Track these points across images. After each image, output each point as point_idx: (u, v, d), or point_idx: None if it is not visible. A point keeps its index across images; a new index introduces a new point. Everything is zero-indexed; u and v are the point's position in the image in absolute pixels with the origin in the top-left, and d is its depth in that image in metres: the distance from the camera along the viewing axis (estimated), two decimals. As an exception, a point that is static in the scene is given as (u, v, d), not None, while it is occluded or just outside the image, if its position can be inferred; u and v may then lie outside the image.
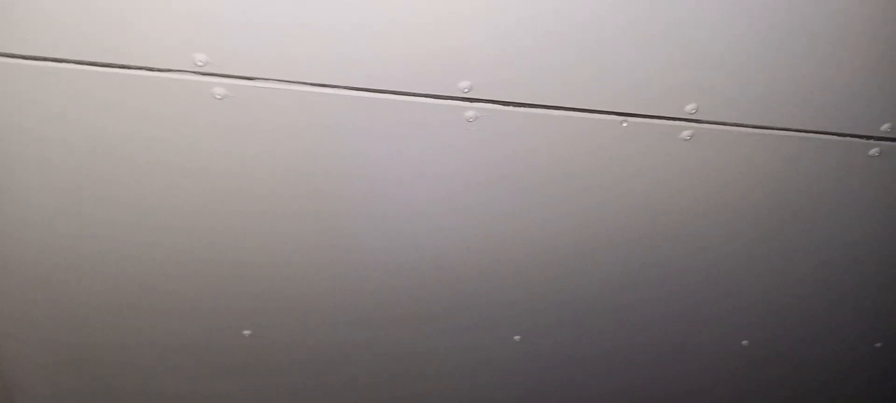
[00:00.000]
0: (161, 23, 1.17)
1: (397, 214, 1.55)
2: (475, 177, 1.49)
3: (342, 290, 1.71)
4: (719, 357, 2.10)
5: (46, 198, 1.42)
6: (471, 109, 1.37)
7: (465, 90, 1.33)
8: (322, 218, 1.53)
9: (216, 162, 1.39)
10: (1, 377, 1.82)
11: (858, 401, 2.37)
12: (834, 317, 2.03)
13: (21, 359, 1.80)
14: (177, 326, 1.75)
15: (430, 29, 1.23)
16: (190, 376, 1.90)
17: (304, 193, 1.48)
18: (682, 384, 2.18)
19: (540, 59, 1.30)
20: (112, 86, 1.24)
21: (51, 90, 1.24)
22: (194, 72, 1.24)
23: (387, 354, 1.92)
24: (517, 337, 1.91)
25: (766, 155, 1.55)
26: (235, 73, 1.25)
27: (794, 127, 1.50)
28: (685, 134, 1.47)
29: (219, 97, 1.27)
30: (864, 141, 1.56)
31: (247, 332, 1.78)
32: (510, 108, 1.38)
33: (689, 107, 1.43)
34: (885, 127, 1.53)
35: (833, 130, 1.53)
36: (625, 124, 1.44)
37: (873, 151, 1.58)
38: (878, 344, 2.16)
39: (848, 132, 1.54)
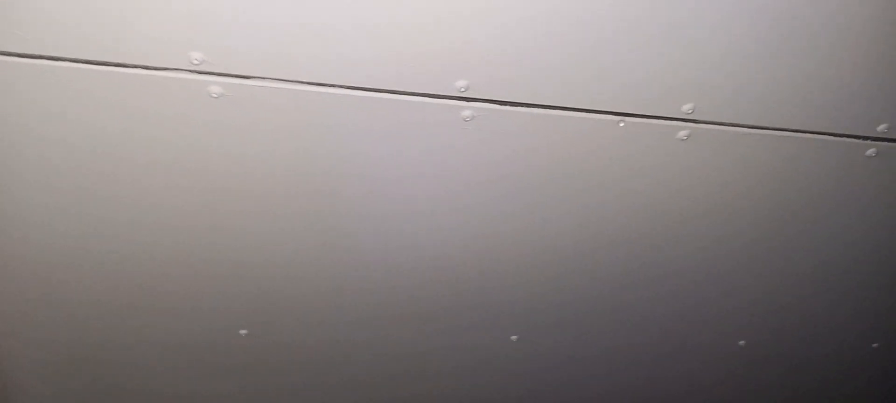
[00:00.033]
0: (157, 21, 1.16)
1: (394, 214, 1.54)
2: (471, 177, 1.48)
3: (338, 290, 1.70)
4: (716, 358, 2.09)
5: (42, 196, 1.41)
6: (467, 109, 1.36)
7: (462, 89, 1.32)
8: (319, 217, 1.52)
9: (212, 161, 1.38)
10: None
11: (855, 402, 2.35)
12: (831, 318, 2.02)
13: (17, 359, 1.78)
14: (175, 326, 1.74)
15: (427, 28, 1.22)
16: (188, 376, 1.89)
17: (301, 192, 1.46)
18: (678, 384, 2.16)
19: (537, 59, 1.29)
20: (108, 85, 1.23)
21: (47, 88, 1.23)
22: (190, 71, 1.23)
23: (385, 354, 1.91)
24: (514, 337, 1.90)
25: (762, 155, 1.54)
26: (232, 72, 1.24)
27: (791, 127, 1.50)
28: (682, 134, 1.46)
29: (215, 96, 1.26)
30: (860, 141, 1.55)
31: (243, 332, 1.76)
32: (507, 108, 1.37)
33: (686, 108, 1.42)
34: (882, 127, 1.52)
35: (830, 131, 1.52)
36: (622, 124, 1.43)
37: (870, 152, 1.57)
38: (875, 345, 2.14)
39: (845, 132, 1.52)
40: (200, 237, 1.53)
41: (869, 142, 1.55)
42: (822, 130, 1.51)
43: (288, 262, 1.60)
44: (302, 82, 1.27)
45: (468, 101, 1.35)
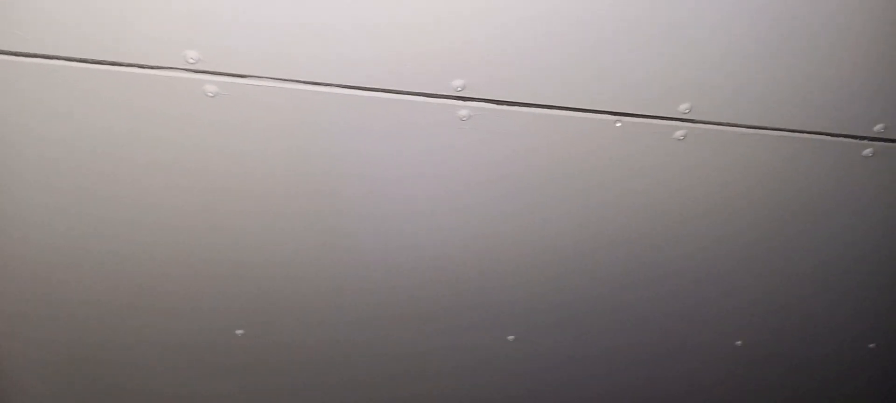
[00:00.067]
0: (153, 20, 1.14)
1: (390, 213, 1.52)
2: (468, 176, 1.47)
3: (336, 289, 1.69)
4: (713, 358, 2.08)
5: (39, 195, 1.39)
6: (464, 108, 1.34)
7: (459, 89, 1.31)
8: (315, 217, 1.50)
9: (209, 160, 1.36)
10: (-3, 376, 1.80)
11: (852, 402, 2.33)
12: (827, 318, 2.01)
13: (17, 358, 1.77)
14: (174, 326, 1.72)
15: (423, 27, 1.21)
16: (188, 376, 1.87)
17: (297, 192, 1.45)
18: (674, 384, 2.15)
19: (534, 59, 1.28)
20: (104, 84, 1.21)
21: (42, 87, 1.21)
22: (186, 70, 1.21)
23: (383, 354, 1.89)
24: (511, 337, 1.88)
25: (759, 155, 1.53)
26: (228, 71, 1.22)
27: (788, 127, 1.48)
28: (679, 134, 1.45)
29: (211, 95, 1.25)
30: (857, 141, 1.53)
31: (240, 332, 1.75)
32: (504, 107, 1.35)
33: (683, 107, 1.40)
34: (879, 127, 1.51)
35: (826, 131, 1.50)
36: (618, 124, 1.41)
37: (867, 152, 1.56)
38: (872, 345, 2.13)
39: (841, 132, 1.51)
40: (198, 236, 1.52)
41: (866, 142, 1.54)
42: (819, 130, 1.50)
43: (285, 262, 1.59)
44: (298, 81, 1.26)
45: (465, 101, 1.33)
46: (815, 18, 1.29)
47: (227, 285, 1.63)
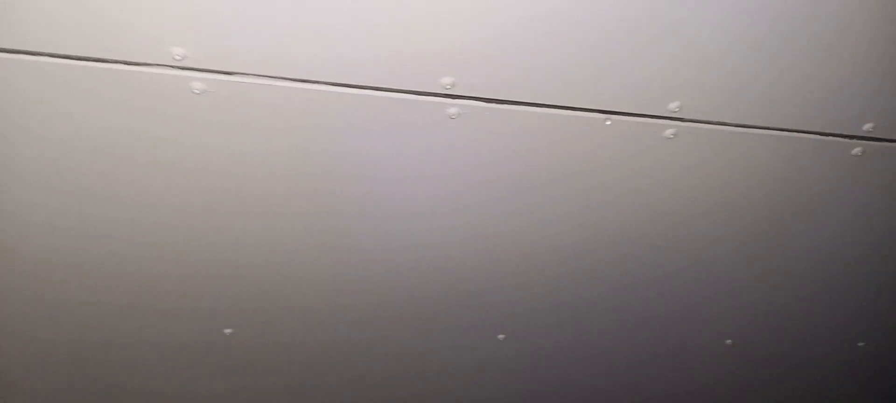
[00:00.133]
0: (138, 15, 1.11)
1: (379, 211, 1.49)
2: (457, 175, 1.44)
3: (330, 289, 1.66)
4: (703, 358, 2.06)
5: (25, 193, 1.36)
6: (453, 106, 1.31)
7: (448, 86, 1.28)
8: (305, 215, 1.47)
9: (195, 157, 1.33)
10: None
11: (841, 400, 2.32)
12: (817, 317, 1.99)
13: (16, 358, 1.74)
14: (173, 325, 1.69)
15: (413, 24, 1.18)
16: (187, 375, 1.85)
17: (285, 190, 1.42)
18: (664, 384, 2.13)
19: (524, 57, 1.25)
20: (89, 81, 1.18)
21: (25, 83, 1.17)
22: (172, 67, 1.18)
23: (379, 353, 1.87)
24: (501, 336, 1.86)
25: (749, 154, 1.50)
26: (214, 68, 1.19)
27: (777, 126, 1.46)
28: (668, 132, 1.42)
29: (197, 92, 1.21)
30: (846, 140, 1.51)
31: (228, 330, 1.72)
32: (493, 105, 1.33)
33: (673, 106, 1.38)
34: (868, 126, 1.49)
35: (816, 130, 1.48)
36: (608, 122, 1.39)
37: (856, 151, 1.54)
38: (862, 344, 2.12)
39: (830, 131, 1.49)
40: (191, 235, 1.48)
41: (855, 140, 1.51)
42: (809, 129, 1.48)
43: (276, 261, 1.56)
44: (285, 78, 1.23)
45: (454, 99, 1.31)
46: (805, 18, 1.27)
47: (220, 284, 1.60)
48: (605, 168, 1.47)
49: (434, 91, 1.28)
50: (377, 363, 1.88)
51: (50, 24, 1.10)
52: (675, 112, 1.39)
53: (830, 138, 1.50)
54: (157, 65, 1.17)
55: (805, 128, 1.47)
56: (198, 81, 1.20)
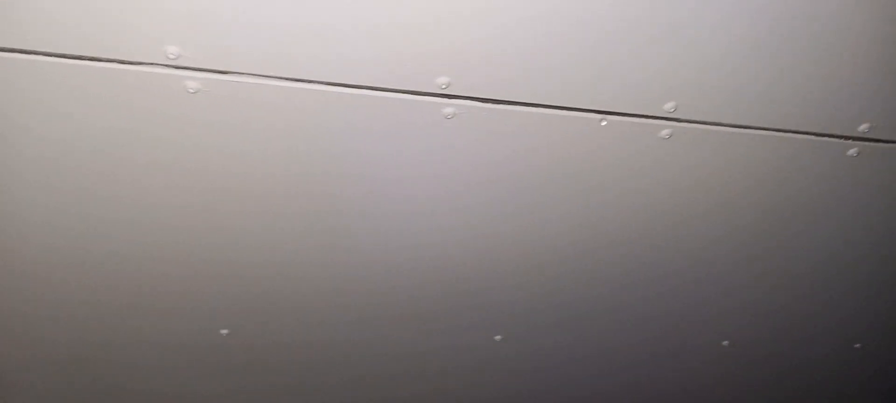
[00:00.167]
0: (132, 14, 1.09)
1: (375, 211, 1.47)
2: (453, 175, 1.42)
3: (325, 289, 1.64)
4: (700, 359, 2.04)
5: (19, 192, 1.34)
6: (449, 106, 1.30)
7: (444, 86, 1.26)
8: (299, 215, 1.46)
9: (190, 157, 1.31)
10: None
11: (838, 402, 2.30)
12: (813, 318, 1.97)
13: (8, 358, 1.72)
14: (172, 325, 1.68)
15: (408, 24, 1.16)
16: (187, 375, 1.84)
17: (280, 189, 1.40)
18: (660, 385, 2.11)
19: (520, 57, 1.24)
20: (82, 80, 1.16)
21: (19, 82, 1.16)
22: (166, 66, 1.16)
23: (382, 354, 1.86)
24: (498, 337, 1.84)
25: (745, 155, 1.48)
26: (209, 67, 1.17)
27: (773, 126, 1.44)
28: (664, 133, 1.41)
29: (192, 91, 1.20)
30: (842, 141, 1.49)
31: (227, 331, 1.70)
32: (489, 105, 1.31)
33: (668, 106, 1.36)
34: (864, 127, 1.47)
35: (811, 130, 1.46)
36: (604, 123, 1.37)
37: (852, 152, 1.52)
38: (858, 345, 2.10)
39: (826, 132, 1.47)
40: (184, 234, 1.47)
41: (851, 141, 1.50)
42: (804, 130, 1.46)
43: (272, 261, 1.54)
44: (280, 78, 1.21)
45: (450, 99, 1.29)
46: (802, 19, 1.25)
47: (218, 285, 1.59)
48: (601, 168, 1.45)
49: (430, 91, 1.27)
50: (374, 363, 1.87)
51: (44, 22, 1.08)
52: (670, 112, 1.37)
53: (826, 139, 1.48)
54: (152, 64, 1.15)
55: (801, 129, 1.45)
56: (192, 80, 1.18)
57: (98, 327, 1.65)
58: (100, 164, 1.30)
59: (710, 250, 1.69)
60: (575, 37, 1.22)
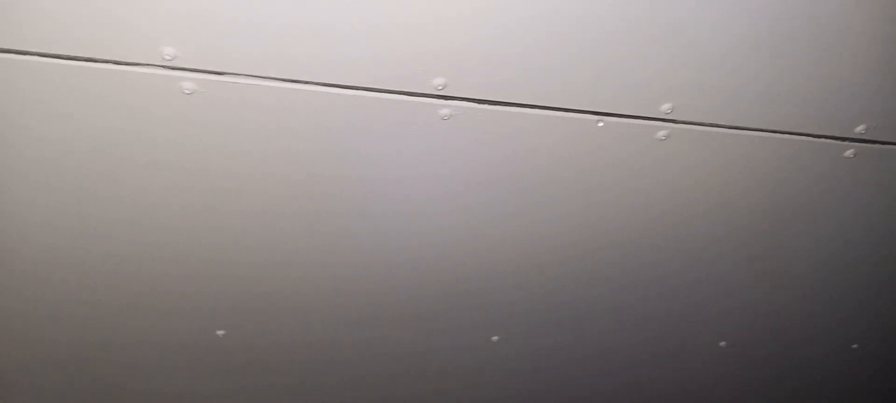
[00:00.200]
0: (128, 15, 1.07)
1: (371, 213, 1.46)
2: (449, 176, 1.40)
3: (323, 289, 1.62)
4: (697, 360, 2.02)
5: (16, 192, 1.33)
6: (445, 107, 1.28)
7: (440, 87, 1.24)
8: (295, 216, 1.44)
9: (186, 158, 1.30)
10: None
11: (836, 402, 2.27)
12: (810, 319, 1.95)
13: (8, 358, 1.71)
14: (172, 325, 1.67)
15: (404, 25, 1.15)
16: (187, 375, 1.83)
17: (276, 190, 1.38)
18: (657, 385, 2.10)
19: (516, 58, 1.22)
20: (79, 80, 1.15)
21: (14, 82, 1.14)
22: (162, 66, 1.14)
23: (383, 354, 1.84)
24: (495, 338, 1.82)
25: (741, 156, 1.47)
26: (205, 68, 1.16)
27: (770, 128, 1.42)
28: (661, 134, 1.39)
29: (188, 92, 1.18)
30: (839, 142, 1.48)
31: (225, 331, 1.69)
32: (485, 107, 1.29)
33: (665, 107, 1.34)
34: (860, 128, 1.45)
35: (808, 132, 1.44)
36: (601, 124, 1.35)
37: (849, 153, 1.50)
38: (855, 346, 2.08)
39: (823, 133, 1.45)
40: (182, 234, 1.45)
41: (847, 143, 1.48)
42: (801, 131, 1.44)
43: (270, 261, 1.53)
44: (276, 79, 1.19)
45: (446, 100, 1.27)
46: (797, 20, 1.23)
47: (215, 285, 1.57)
48: (598, 169, 1.43)
49: (426, 92, 1.25)
50: (371, 363, 1.85)
51: (40, 23, 1.07)
52: (667, 113, 1.35)
53: (823, 140, 1.46)
54: (147, 64, 1.14)
55: (798, 131, 1.43)
56: (188, 81, 1.16)
57: (98, 327, 1.64)
58: (95, 165, 1.29)
59: (708, 251, 1.68)
60: (571, 38, 1.20)
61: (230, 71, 1.17)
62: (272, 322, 1.69)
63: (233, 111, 1.22)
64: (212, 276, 1.54)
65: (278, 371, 1.84)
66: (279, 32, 1.12)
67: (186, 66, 1.15)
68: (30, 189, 1.32)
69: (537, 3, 1.15)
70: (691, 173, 1.48)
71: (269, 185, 1.37)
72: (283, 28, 1.12)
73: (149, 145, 1.26)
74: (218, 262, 1.51)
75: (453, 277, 1.63)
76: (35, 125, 1.21)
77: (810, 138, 1.45)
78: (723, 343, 1.97)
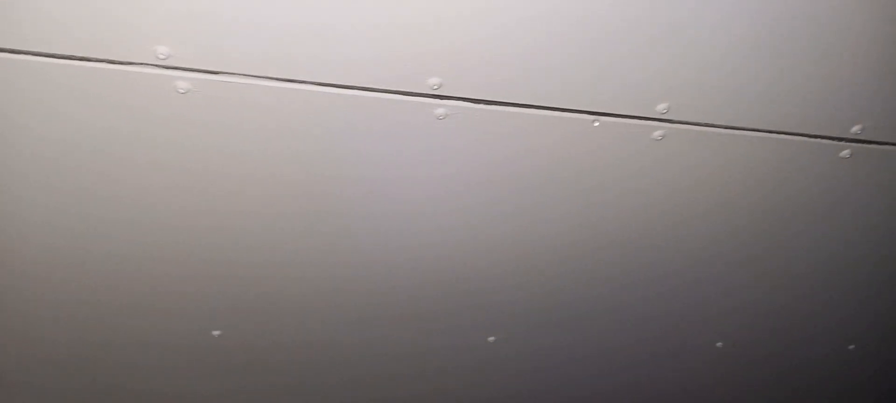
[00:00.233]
0: (122, 13, 1.06)
1: (367, 212, 1.44)
2: (445, 176, 1.38)
3: (321, 289, 1.61)
4: (693, 360, 2.00)
5: (13, 192, 1.31)
6: (441, 107, 1.26)
7: (435, 87, 1.22)
8: (291, 215, 1.42)
9: (182, 158, 1.28)
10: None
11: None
12: (807, 319, 1.93)
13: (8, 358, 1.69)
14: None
15: (400, 25, 1.13)
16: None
17: (271, 190, 1.36)
18: (654, 386, 2.08)
19: (512, 58, 1.20)
20: (72, 79, 1.13)
21: (7, 81, 1.12)
22: (156, 65, 1.13)
23: (378, 354, 1.82)
24: (492, 338, 1.80)
25: (737, 156, 1.45)
26: (199, 67, 1.14)
27: (765, 128, 1.40)
28: (657, 134, 1.37)
29: (182, 91, 1.16)
30: (835, 142, 1.46)
31: (221, 332, 1.67)
32: (481, 106, 1.27)
33: (661, 107, 1.32)
34: (856, 128, 1.43)
35: (804, 132, 1.42)
36: (596, 124, 1.33)
37: (844, 153, 1.48)
38: (852, 347, 2.06)
39: (819, 134, 1.43)
40: (180, 235, 1.43)
41: (843, 143, 1.46)
42: (797, 131, 1.42)
43: (266, 261, 1.51)
44: (271, 78, 1.17)
45: (441, 99, 1.25)
46: (793, 20, 1.21)
47: (212, 285, 1.55)
48: (594, 169, 1.42)
49: (421, 91, 1.23)
50: (370, 363, 1.83)
51: (34, 22, 1.05)
52: (663, 113, 1.33)
53: (819, 140, 1.44)
54: (141, 63, 1.12)
55: (794, 131, 1.41)
56: (183, 80, 1.15)
57: (97, 327, 1.62)
58: (90, 164, 1.27)
59: (704, 251, 1.66)
60: (567, 38, 1.18)
61: (225, 70, 1.15)
62: (269, 322, 1.67)
63: (228, 110, 1.20)
64: (208, 276, 1.52)
65: (276, 371, 1.82)
66: (274, 32, 1.11)
67: (181, 66, 1.13)
68: (26, 188, 1.30)
69: (532, 3, 1.13)
70: (687, 173, 1.46)
71: (264, 185, 1.35)
72: (277, 27, 1.10)
73: (144, 145, 1.25)
74: (213, 262, 1.49)
75: (449, 277, 1.62)
76: (29, 124, 1.19)
77: (806, 138, 1.43)
78: (719, 344, 1.95)
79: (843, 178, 1.53)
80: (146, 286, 1.53)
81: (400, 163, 1.34)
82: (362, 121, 1.26)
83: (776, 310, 1.88)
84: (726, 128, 1.38)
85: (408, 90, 1.22)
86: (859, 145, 1.46)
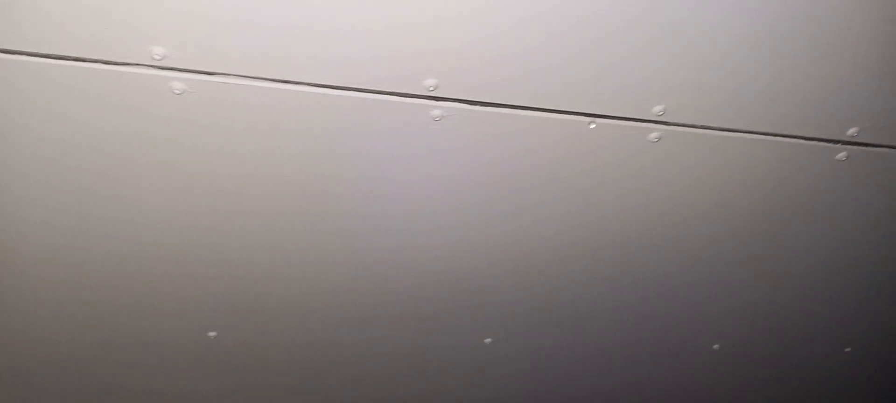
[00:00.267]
0: (118, 14, 1.04)
1: (364, 213, 1.42)
2: (441, 177, 1.37)
3: (320, 290, 1.59)
4: (690, 362, 1.98)
5: (10, 192, 1.30)
6: (437, 108, 1.24)
7: (431, 88, 1.21)
8: (287, 216, 1.41)
9: (177, 158, 1.26)
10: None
11: (829, 405, 2.24)
12: (803, 322, 1.91)
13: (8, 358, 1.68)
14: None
15: (396, 26, 1.11)
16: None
17: (267, 191, 1.35)
18: (650, 388, 2.06)
19: (508, 59, 1.19)
20: (68, 80, 1.11)
21: (3, 82, 1.11)
22: (152, 66, 1.11)
23: (377, 355, 1.81)
24: (489, 340, 1.79)
25: (733, 158, 1.43)
26: (195, 68, 1.12)
27: (762, 130, 1.38)
28: (653, 136, 1.35)
29: (178, 92, 1.15)
30: (831, 145, 1.44)
31: (212, 333, 1.66)
32: (477, 108, 1.26)
33: (657, 109, 1.31)
34: (853, 131, 1.41)
35: (800, 134, 1.40)
36: (593, 125, 1.32)
37: (841, 155, 1.46)
38: (848, 350, 2.04)
39: (815, 136, 1.41)
40: (179, 235, 1.42)
41: (840, 145, 1.44)
42: (794, 133, 1.40)
43: (262, 262, 1.49)
44: (267, 79, 1.16)
45: (438, 101, 1.24)
46: (789, 22, 1.20)
47: (210, 285, 1.54)
48: (590, 171, 1.40)
49: (417, 93, 1.21)
50: (369, 364, 1.82)
51: (29, 22, 1.04)
52: (659, 115, 1.32)
53: (815, 143, 1.42)
54: (137, 64, 1.10)
55: (790, 133, 1.40)
56: (178, 81, 1.13)
57: (97, 327, 1.61)
58: (87, 165, 1.26)
59: (700, 253, 1.64)
60: (563, 40, 1.17)
61: (220, 71, 1.13)
62: (267, 322, 1.66)
63: (223, 111, 1.19)
64: (206, 277, 1.51)
65: (275, 371, 1.81)
66: (269, 33, 1.09)
67: (176, 66, 1.11)
68: (24, 188, 1.29)
69: (528, 5, 1.11)
70: (683, 175, 1.44)
71: (259, 186, 1.34)
72: (273, 28, 1.09)
73: (140, 145, 1.23)
74: (210, 263, 1.48)
75: (447, 278, 1.60)
76: (25, 124, 1.18)
77: (803, 140, 1.41)
78: (717, 345, 1.94)
79: (839, 181, 1.51)
80: (144, 286, 1.52)
81: (396, 165, 1.33)
82: (358, 123, 1.24)
83: (774, 311, 1.86)
84: (722, 130, 1.36)
85: (404, 91, 1.21)
86: (856, 147, 1.44)
